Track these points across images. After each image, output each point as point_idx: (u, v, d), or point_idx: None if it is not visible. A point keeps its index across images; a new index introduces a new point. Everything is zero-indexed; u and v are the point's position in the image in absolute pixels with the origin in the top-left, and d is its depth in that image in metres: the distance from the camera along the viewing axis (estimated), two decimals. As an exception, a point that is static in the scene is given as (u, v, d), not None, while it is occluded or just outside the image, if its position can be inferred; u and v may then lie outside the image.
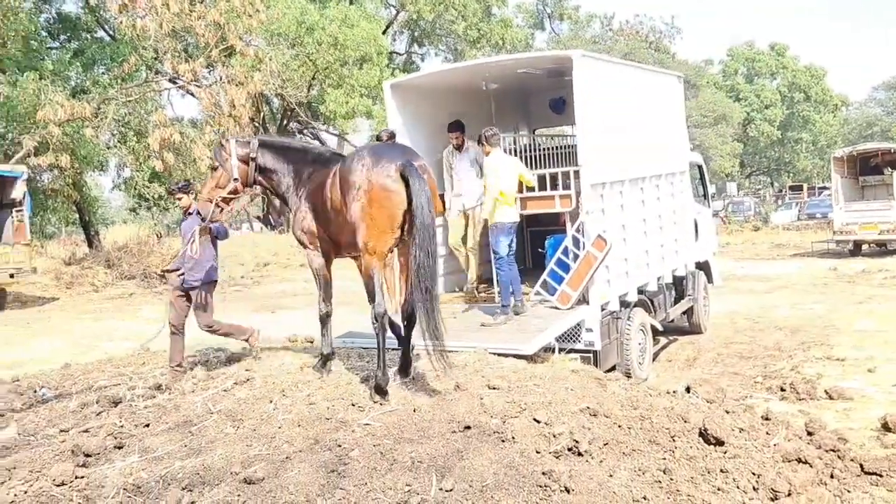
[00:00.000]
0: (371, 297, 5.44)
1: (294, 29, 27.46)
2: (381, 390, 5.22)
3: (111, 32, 29.47)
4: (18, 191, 18.08)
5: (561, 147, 9.89)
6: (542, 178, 8.18)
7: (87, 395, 6.64)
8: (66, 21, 28.80)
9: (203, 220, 6.61)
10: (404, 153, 5.59)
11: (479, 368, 5.76)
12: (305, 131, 37.99)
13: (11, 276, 17.65)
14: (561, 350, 7.05)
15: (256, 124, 26.49)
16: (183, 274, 6.94)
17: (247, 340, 7.23)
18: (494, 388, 5.08)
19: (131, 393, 6.36)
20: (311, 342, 11.00)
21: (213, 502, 4.11)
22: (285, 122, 35.30)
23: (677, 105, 10.16)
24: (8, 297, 18.73)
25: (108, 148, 22.12)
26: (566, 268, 7.58)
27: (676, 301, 10.00)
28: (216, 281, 7.20)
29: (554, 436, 4.25)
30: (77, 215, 26.41)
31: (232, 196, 6.47)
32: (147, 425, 5.48)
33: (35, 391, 7.04)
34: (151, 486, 4.47)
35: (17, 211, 18.23)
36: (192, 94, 27.47)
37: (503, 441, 4.26)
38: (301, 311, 16.10)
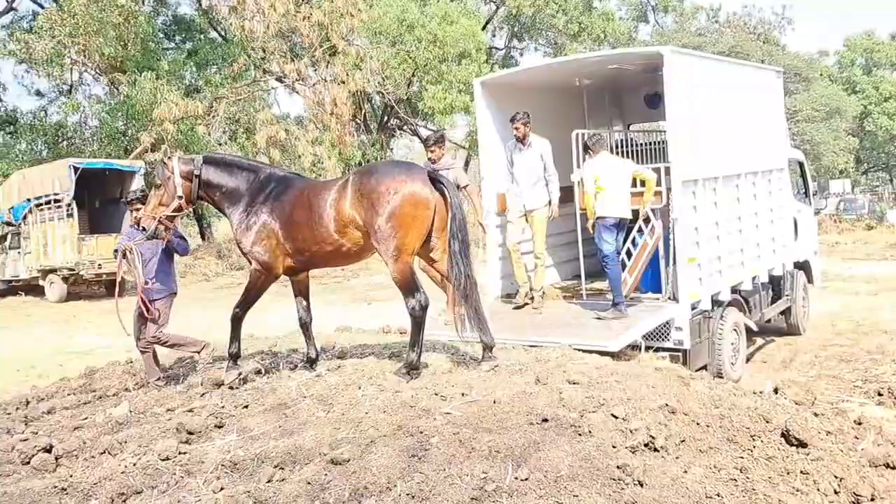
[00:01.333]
0: (412, 293, 5.90)
1: (395, 27, 27.98)
2: (413, 367, 5.91)
3: (223, 33, 30.80)
4: (136, 185, 19.21)
5: (656, 143, 9.79)
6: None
7: (192, 376, 7.08)
8: (181, 23, 30.31)
9: (148, 236, 6.63)
10: (414, 166, 6.25)
11: (561, 364, 5.83)
12: (405, 128, 38.64)
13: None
14: (648, 348, 7.02)
15: (358, 121, 27.18)
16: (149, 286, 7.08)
17: (198, 353, 7.32)
18: (574, 383, 5.15)
19: (244, 370, 6.74)
20: (404, 332, 11.27)
21: (302, 480, 4.35)
22: (385, 119, 36.01)
23: (776, 101, 9.87)
24: (126, 284, 19.92)
25: (218, 144, 23.16)
26: (656, 264, 7.56)
27: (773, 301, 9.73)
28: (175, 293, 7.44)
29: (630, 431, 4.29)
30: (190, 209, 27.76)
31: (175, 213, 6.57)
32: (246, 406, 5.81)
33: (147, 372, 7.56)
34: (247, 463, 4.77)
35: (135, 204, 19.40)
36: (297, 93, 28.50)
37: (580, 434, 4.33)
38: (395, 303, 16.48)
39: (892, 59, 53.06)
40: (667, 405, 4.59)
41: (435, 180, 5.88)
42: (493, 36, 39.65)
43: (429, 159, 7.99)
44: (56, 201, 18.12)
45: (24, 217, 19.01)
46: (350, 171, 6.76)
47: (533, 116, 8.67)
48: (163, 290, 7.22)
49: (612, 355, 6.40)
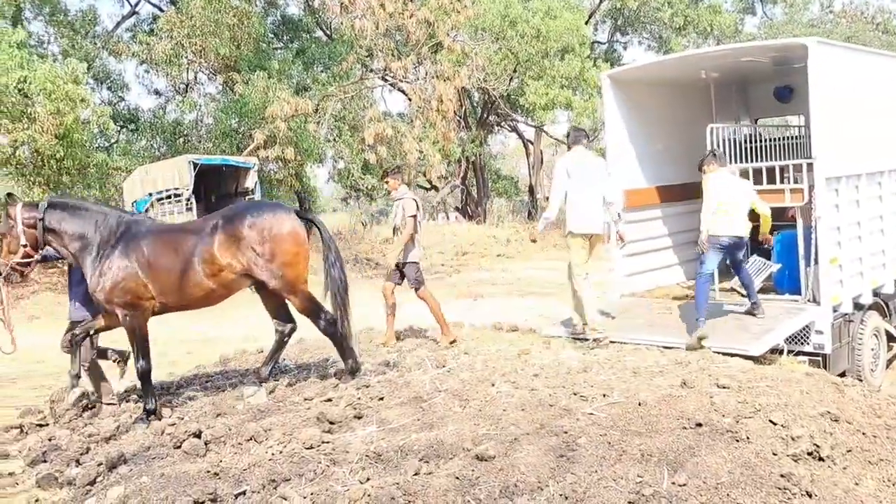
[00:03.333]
0: (317, 315, 6.45)
1: (498, 23, 27.91)
2: (356, 370, 6.53)
3: (329, 33, 31.43)
4: (251, 180, 19.89)
5: (786, 138, 9.40)
6: (769, 171, 7.85)
7: (324, 367, 7.26)
8: (290, 23, 31.08)
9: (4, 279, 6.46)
10: (279, 206, 6.62)
11: (704, 367, 5.68)
12: (504, 123, 38.56)
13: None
14: (789, 352, 6.75)
15: (458, 117, 27.27)
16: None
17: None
18: (724, 388, 5.00)
19: (363, 368, 6.86)
20: (516, 329, 11.27)
21: (449, 474, 4.37)
22: (485, 115, 36.02)
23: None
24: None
25: (326, 142, 23.69)
26: (794, 264, 7.25)
27: None
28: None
29: (792, 438, 4.13)
30: (297, 204, 28.51)
31: (26, 260, 6.38)
32: (381, 399, 5.90)
33: (278, 362, 7.79)
34: (391, 455, 4.84)
35: (250, 199, 20.07)
36: (401, 91, 28.84)
37: (737, 441, 4.20)
38: (502, 299, 16.47)
39: None
40: (828, 413, 4.39)
41: (302, 217, 6.48)
42: (596, 30, 39.02)
43: (386, 190, 8.15)
44: (176, 196, 18.88)
45: (146, 211, 19.89)
46: (212, 214, 6.74)
47: (659, 112, 8.48)
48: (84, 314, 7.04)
49: (755, 359, 6.18)
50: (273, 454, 5.13)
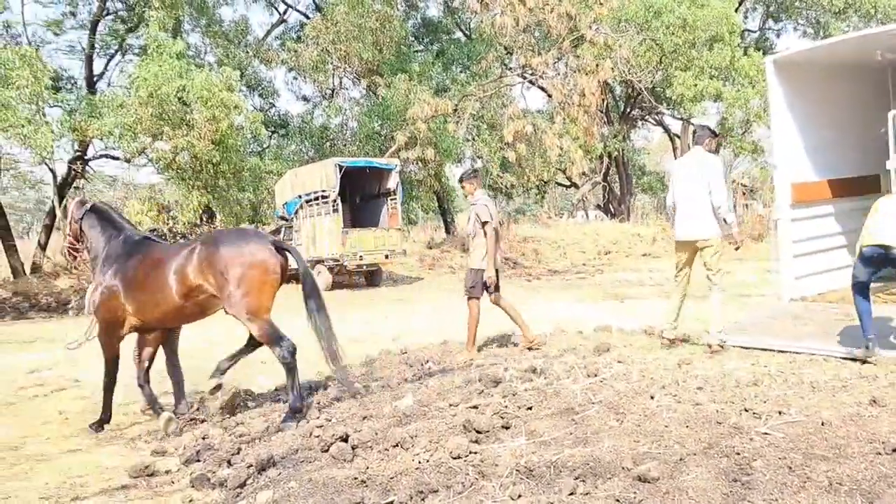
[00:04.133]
0: (277, 343, 6.38)
1: (642, 13, 26.99)
2: (297, 410, 6.28)
3: (467, 32, 31.54)
4: (392, 181, 20.17)
5: None
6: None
7: (468, 371, 7.06)
8: (429, 25, 31.44)
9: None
10: (256, 235, 6.64)
11: (894, 382, 5.03)
12: (649, 117, 37.34)
13: (386, 256, 19.78)
14: None
15: (601, 112, 26.59)
16: None
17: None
18: (925, 408, 4.39)
19: (509, 374, 6.61)
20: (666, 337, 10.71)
21: (608, 496, 4.04)
22: (628, 109, 35.01)
23: None
24: (382, 275, 21.02)
25: (465, 141, 23.71)
26: None
27: None
28: None
29: None
30: (436, 204, 28.77)
31: (72, 248, 7.05)
32: (530, 408, 5.63)
33: (422, 364, 7.69)
34: (543, 470, 4.55)
35: (392, 199, 20.37)
36: (540, 88, 28.45)
37: (947, 472, 3.62)
38: (650, 301, 15.79)
39: None
40: None
41: (279, 248, 6.48)
42: (746, 17, 37.02)
43: (463, 194, 8.04)
44: (323, 197, 19.43)
45: (296, 212, 20.62)
46: (195, 238, 6.85)
47: (830, 98, 7.73)
48: None
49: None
50: (420, 462, 4.97)
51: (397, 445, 5.31)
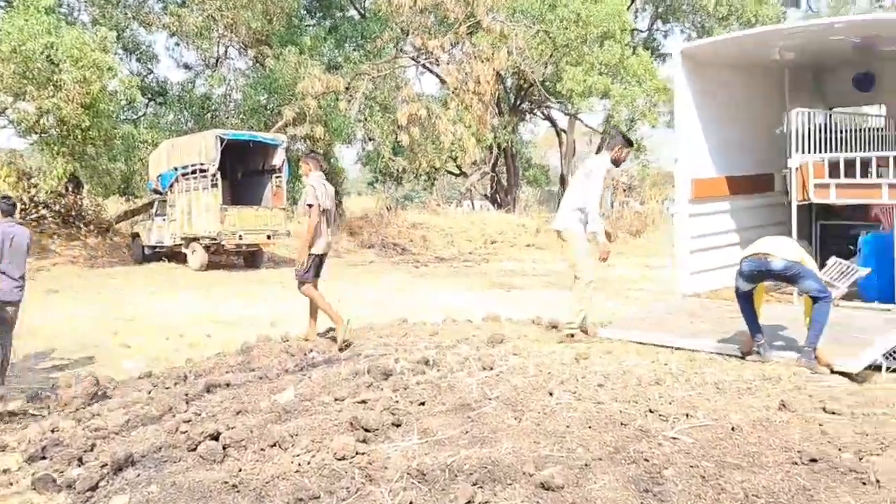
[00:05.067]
0: None
1: (537, 5, 27.02)
2: None
3: (362, 11, 30.72)
4: (278, 158, 19.29)
5: (864, 129, 8.58)
6: (849, 163, 7.05)
7: (355, 362, 6.57)
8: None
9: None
10: None
11: (799, 385, 4.92)
12: (537, 111, 37.65)
13: (268, 237, 18.91)
14: (887, 369, 5.95)
15: (493, 101, 26.47)
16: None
17: None
18: (833, 413, 4.25)
19: (400, 366, 6.17)
20: (556, 326, 10.63)
21: (510, 505, 3.68)
22: (518, 101, 35.14)
23: None
24: (263, 256, 20.12)
25: (358, 121, 23.01)
26: (885, 269, 6.43)
27: None
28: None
29: (937, 487, 3.38)
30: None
31: None
32: (422, 404, 5.22)
33: (305, 354, 7.13)
34: (437, 474, 4.14)
35: (276, 177, 19.49)
36: (432, 72, 28.03)
37: (863, 483, 3.46)
38: (535, 291, 15.75)
39: None
40: (979, 455, 3.63)
41: None
42: (636, 17, 37.94)
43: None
44: (202, 171, 18.35)
45: (171, 185, 19.39)
46: None
47: (732, 94, 7.70)
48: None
49: (850, 377, 5.41)
50: (300, 464, 4.46)
51: (275, 445, 4.76)
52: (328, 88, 20.22)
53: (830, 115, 8.60)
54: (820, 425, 4.05)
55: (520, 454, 4.21)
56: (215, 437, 4.90)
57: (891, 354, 6.10)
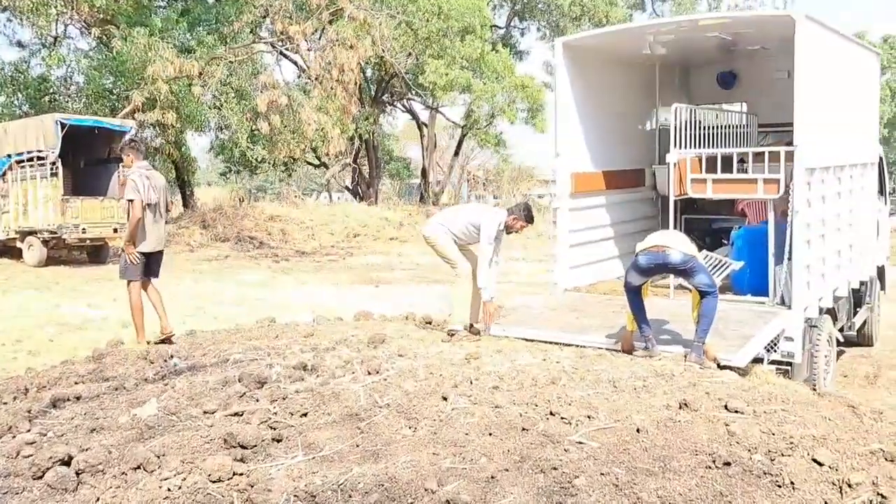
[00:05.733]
0: None
1: (398, -4, 26.71)
2: None
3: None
4: (126, 146, 17.89)
5: (723, 126, 8.87)
6: (727, 159, 7.21)
7: (223, 369, 6.00)
8: (173, -21, 28.64)
9: None
10: None
11: (693, 381, 4.87)
12: (398, 103, 37.37)
13: (115, 230, 17.54)
14: (769, 361, 6.07)
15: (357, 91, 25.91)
16: None
17: None
18: (736, 412, 4.19)
19: (275, 372, 5.67)
20: (430, 322, 10.42)
21: (415, 529, 3.35)
22: (380, 93, 34.71)
23: (875, 86, 8.97)
24: (109, 251, 18.68)
25: (213, 108, 21.79)
26: (756, 263, 6.60)
27: (855, 309, 8.84)
28: None
29: (849, 485, 3.34)
30: (174, 174, 26.38)
31: None
32: (305, 415, 4.78)
33: (166, 360, 6.47)
34: (328, 496, 3.76)
35: (124, 166, 18.08)
36: (290, 59, 27.09)
37: (779, 486, 3.38)
38: (403, 286, 15.47)
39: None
40: (882, 450, 3.64)
41: None
42: (494, 14, 38.42)
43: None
44: (39, 159, 16.76)
45: (4, 174, 17.60)
46: None
47: (610, 89, 7.70)
48: None
49: (738, 371, 5.45)
50: (170, 489, 3.94)
51: (139, 468, 4.18)
52: (181, 72, 18.99)
53: (694, 112, 8.82)
54: (726, 425, 3.97)
55: (419, 468, 3.89)
56: (66, 462, 4.25)
57: (770, 347, 6.25)
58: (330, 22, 20.45)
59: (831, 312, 7.51)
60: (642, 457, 3.76)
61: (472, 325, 6.87)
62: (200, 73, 20.50)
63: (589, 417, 4.26)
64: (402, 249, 24.82)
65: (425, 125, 37.35)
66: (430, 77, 28.40)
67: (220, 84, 22.35)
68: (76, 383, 6.01)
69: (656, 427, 4.05)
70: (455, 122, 36.32)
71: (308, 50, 20.21)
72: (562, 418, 4.28)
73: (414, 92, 32.75)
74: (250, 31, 23.63)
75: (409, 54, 29.05)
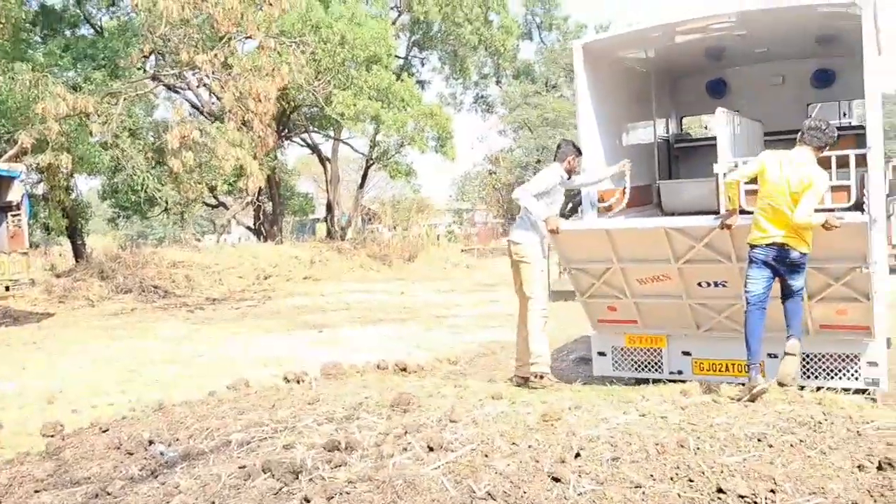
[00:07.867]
0: None
1: (299, 26, 25.60)
2: None
3: (98, 28, 27.38)
4: (16, 193, 15.99)
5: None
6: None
7: (230, 456, 4.75)
8: (50, 14, 26.45)
9: None
10: None
11: (853, 428, 4.05)
12: (298, 138, 36.00)
13: (7, 288, 15.54)
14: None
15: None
16: None
17: None
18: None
19: (307, 456, 4.49)
20: (404, 369, 9.48)
21: None
22: (281, 126, 33.28)
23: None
24: None
25: (108, 148, 19.90)
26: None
27: None
28: None
29: None
30: (65, 222, 24.06)
31: None
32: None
33: (146, 448, 5.13)
34: None
35: (14, 216, 16.10)
36: (184, 98, 25.39)
37: None
38: (348, 330, 14.23)
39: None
40: None
41: None
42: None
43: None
44: (-87, 211, 14.62)
45: None
46: None
47: (624, 93, 7.01)
48: None
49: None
50: None
51: None
52: (75, 109, 17.17)
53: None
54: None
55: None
56: None
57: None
58: (232, 53, 19.17)
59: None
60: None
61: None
62: (96, 111, 18.68)
63: (773, 492, 3.35)
64: (322, 289, 23.52)
65: (328, 159, 36.16)
66: (338, 108, 27.37)
67: (120, 121, 20.54)
68: (36, 492, 4.59)
69: (871, 499, 3.19)
70: (362, 153, 35.34)
71: (217, 80, 18.73)
72: (739, 496, 3.35)
73: (317, 124, 31.59)
74: (138, 68, 22.00)
75: (315, 86, 27.94)
